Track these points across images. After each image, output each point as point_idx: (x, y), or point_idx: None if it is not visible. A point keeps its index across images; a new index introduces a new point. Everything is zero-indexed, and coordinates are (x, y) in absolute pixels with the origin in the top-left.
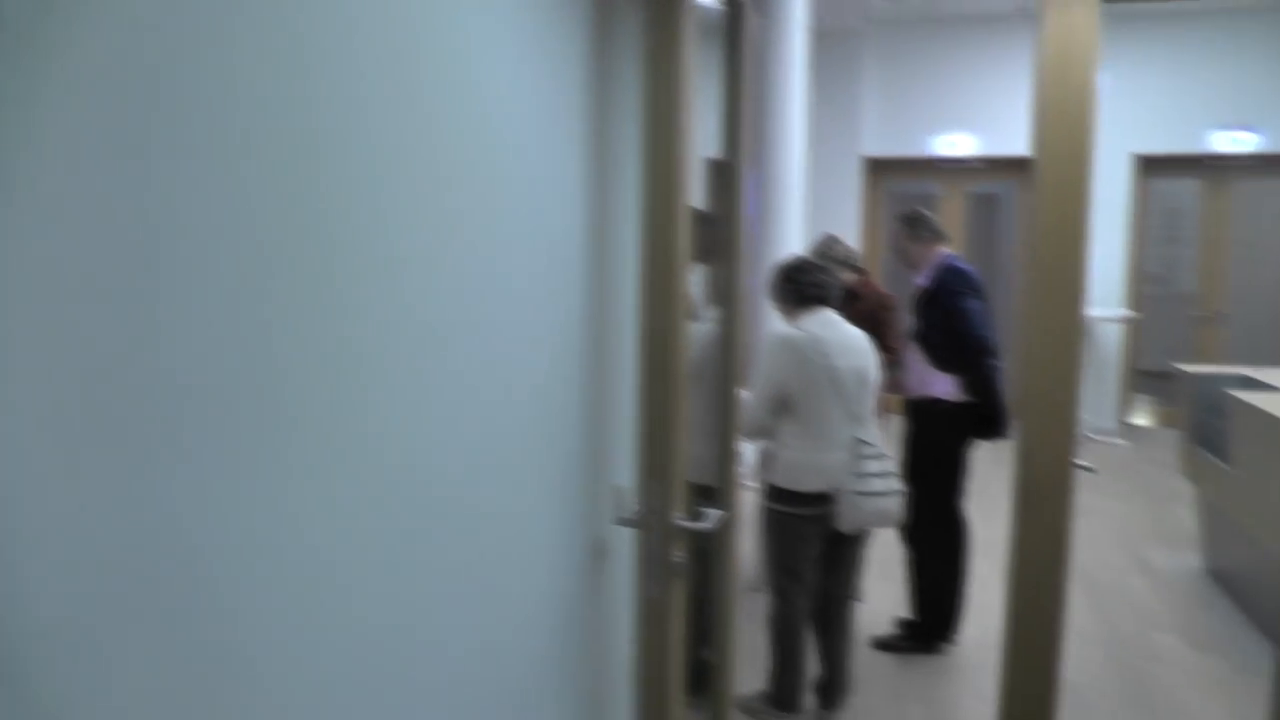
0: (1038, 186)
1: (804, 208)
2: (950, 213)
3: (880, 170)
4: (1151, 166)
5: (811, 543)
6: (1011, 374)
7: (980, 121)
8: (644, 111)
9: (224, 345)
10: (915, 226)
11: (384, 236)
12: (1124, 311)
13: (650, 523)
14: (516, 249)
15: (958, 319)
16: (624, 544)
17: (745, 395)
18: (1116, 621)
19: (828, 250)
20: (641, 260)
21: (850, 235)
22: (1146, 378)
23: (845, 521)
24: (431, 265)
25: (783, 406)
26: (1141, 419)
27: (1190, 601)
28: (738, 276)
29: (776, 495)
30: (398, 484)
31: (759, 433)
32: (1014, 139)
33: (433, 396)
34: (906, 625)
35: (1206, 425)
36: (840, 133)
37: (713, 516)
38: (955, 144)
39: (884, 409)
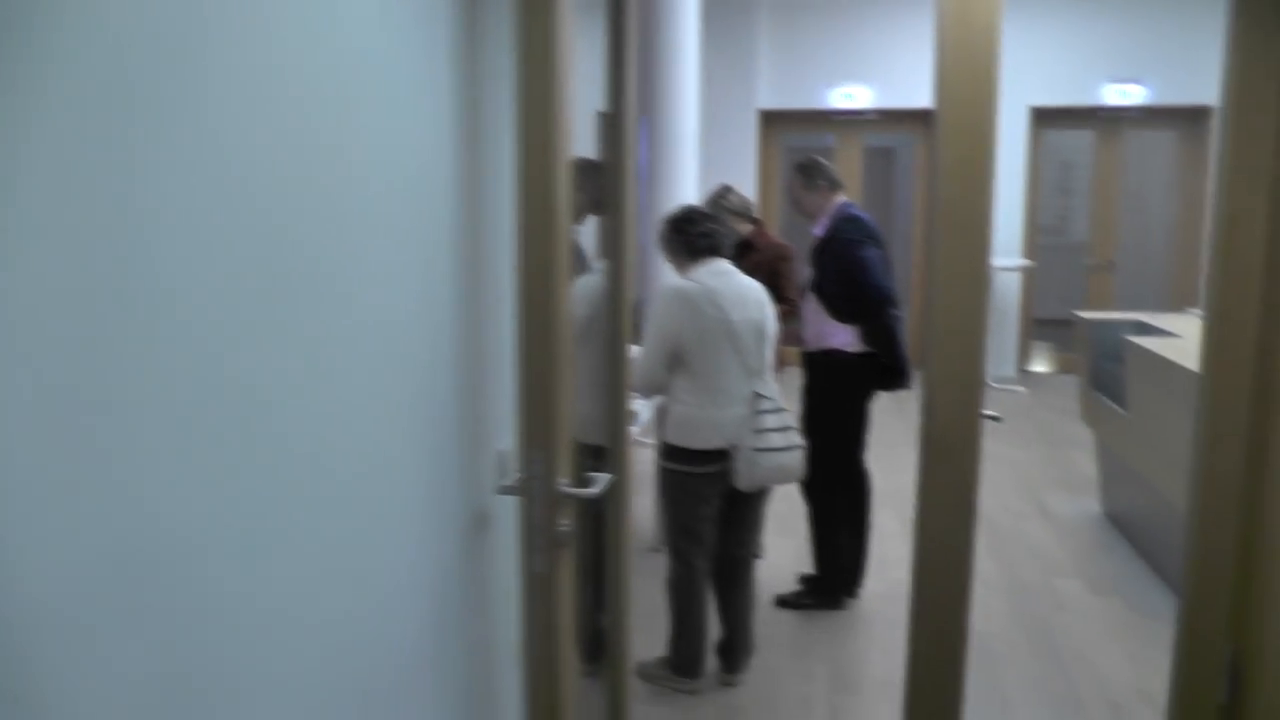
0: (940, 137)
1: (698, 160)
2: (847, 165)
3: (776, 123)
4: (1046, 118)
5: (709, 502)
6: (912, 324)
7: (877, 74)
8: (518, 60)
9: (50, 311)
10: (810, 175)
11: (218, 183)
12: (1021, 261)
13: (532, 491)
14: (372, 201)
15: (855, 268)
16: (509, 514)
17: (638, 351)
18: (1019, 568)
19: (721, 200)
20: (518, 214)
21: (747, 187)
22: (1044, 325)
23: (743, 479)
24: (274, 209)
25: (676, 361)
26: (1040, 366)
27: (1090, 546)
28: (626, 229)
29: (672, 454)
30: (242, 458)
31: (652, 389)
32: (911, 91)
33: (279, 361)
34: (809, 581)
35: (1104, 371)
36: (735, 85)
37: (601, 481)
38: (852, 96)
39: (782, 361)
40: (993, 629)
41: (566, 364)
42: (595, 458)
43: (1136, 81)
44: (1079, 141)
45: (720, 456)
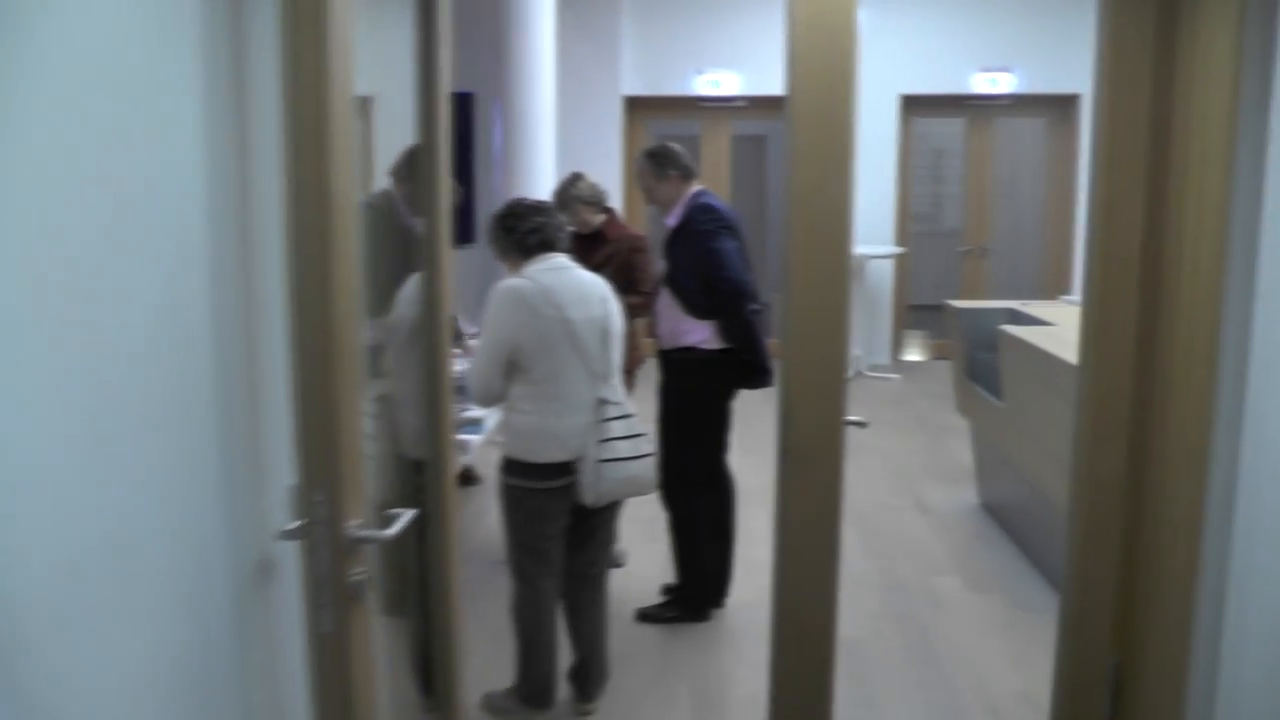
0: (793, 129)
1: (558, 146)
2: (714, 154)
3: (641, 109)
4: (917, 106)
5: (554, 519)
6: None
7: (744, 60)
8: (281, 29)
9: None
10: (661, 163)
11: None
12: (893, 248)
13: (316, 537)
14: (91, 210)
15: (710, 261)
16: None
17: (471, 357)
18: (895, 566)
19: (570, 189)
20: (285, 215)
21: (611, 176)
22: (918, 312)
23: (589, 493)
24: None
25: (514, 367)
26: (914, 354)
27: (969, 540)
28: (440, 225)
29: (512, 468)
30: None
31: (489, 398)
32: (781, 78)
33: None
34: (672, 592)
35: (978, 360)
36: (598, 69)
37: (402, 519)
38: (719, 83)
39: (640, 358)
40: (866, 633)
41: (351, 387)
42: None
43: (1006, 70)
44: (951, 129)
45: (564, 470)
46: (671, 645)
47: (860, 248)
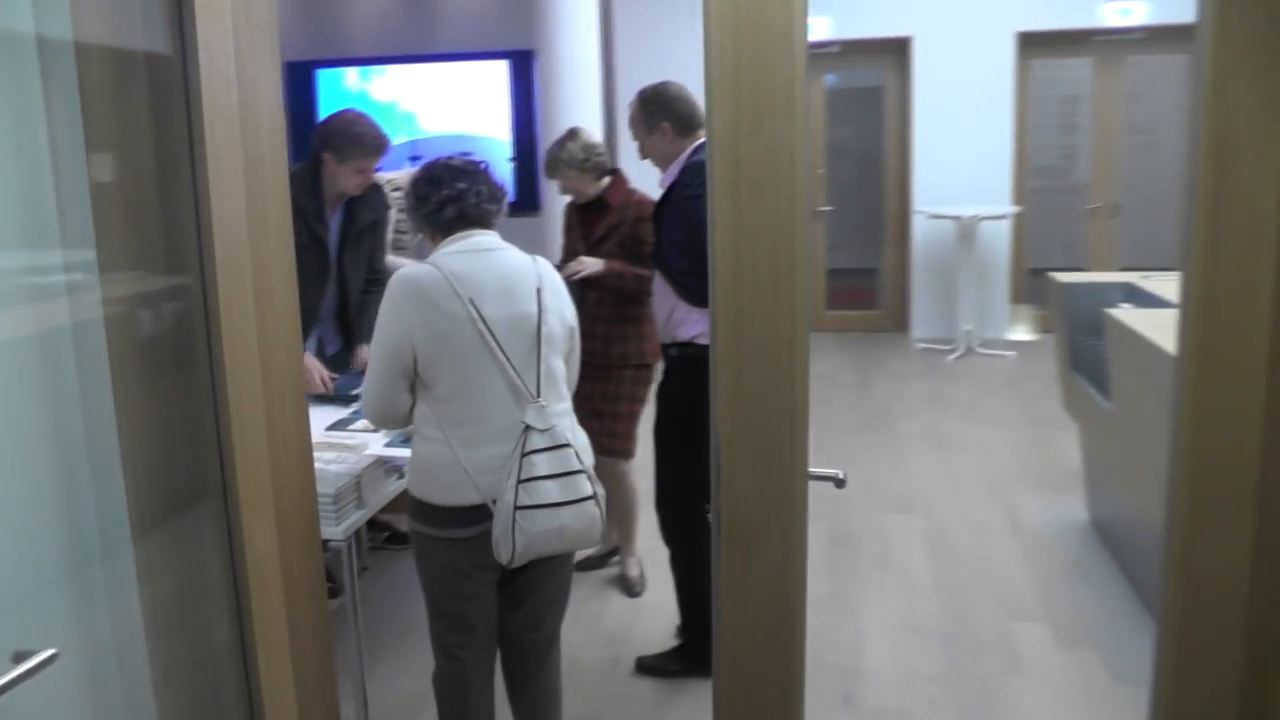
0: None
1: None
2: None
3: None
4: (1036, 44)
5: (472, 576)
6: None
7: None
8: None
9: None
10: (650, 110)
11: None
12: (1009, 207)
13: None
14: None
15: (702, 233)
16: None
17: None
18: (968, 606)
19: (558, 152)
20: None
21: None
22: (1038, 277)
23: (501, 549)
24: None
25: (411, 378)
26: (1023, 332)
27: (1067, 570)
28: (212, 212)
29: (416, 511)
30: None
31: (387, 417)
32: (881, 17)
33: None
34: (679, 637)
35: (1084, 348)
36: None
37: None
38: (810, 27)
39: (652, 353)
40: (915, 701)
41: None
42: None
43: None
44: (1076, 70)
45: (481, 514)
46: (669, 706)
47: (971, 208)
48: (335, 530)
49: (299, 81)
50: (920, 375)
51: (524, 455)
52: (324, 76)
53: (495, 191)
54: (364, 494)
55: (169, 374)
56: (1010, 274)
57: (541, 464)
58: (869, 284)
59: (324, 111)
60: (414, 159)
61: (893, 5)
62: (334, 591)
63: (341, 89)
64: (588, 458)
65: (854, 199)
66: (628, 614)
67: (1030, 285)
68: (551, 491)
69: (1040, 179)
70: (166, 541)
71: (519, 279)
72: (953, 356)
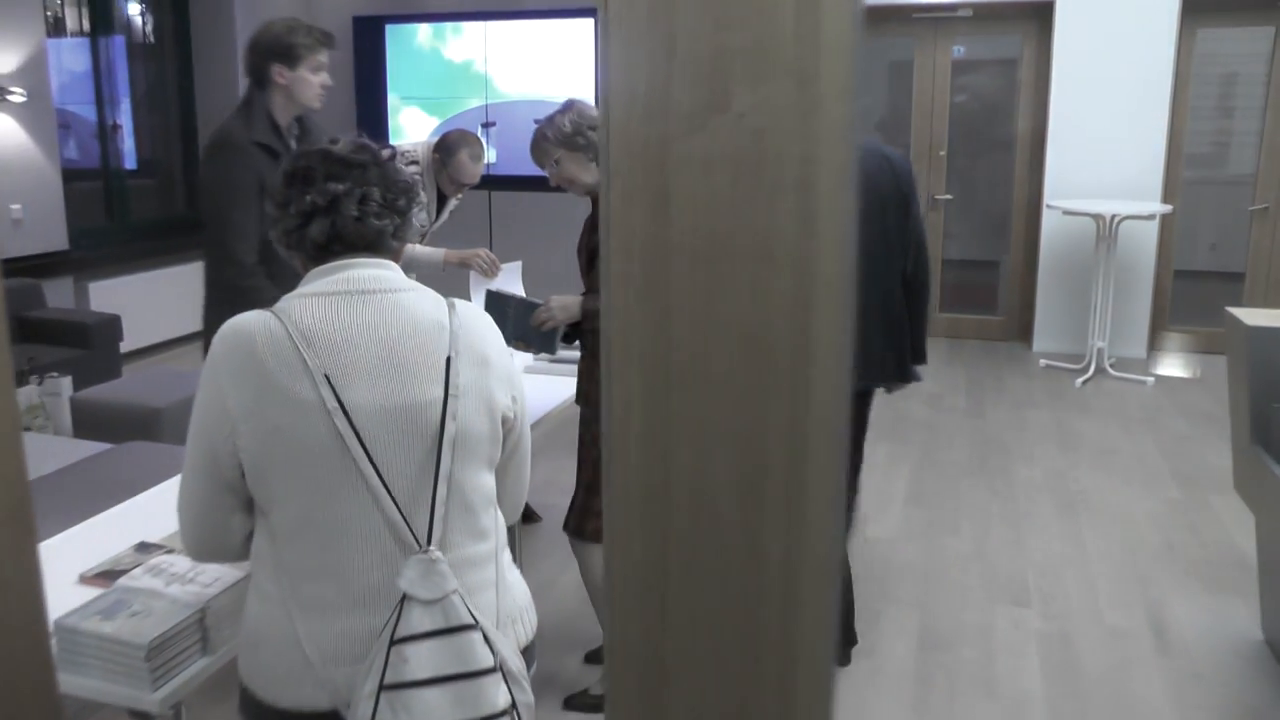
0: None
1: None
2: (929, 78)
3: None
4: (1204, 11)
5: None
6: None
7: None
8: None
9: None
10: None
11: None
12: (1158, 206)
13: None
14: None
15: None
16: None
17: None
18: None
19: (548, 124)
20: None
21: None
22: (1183, 281)
23: None
24: None
25: (239, 490)
26: (1172, 366)
27: (1232, 709)
28: None
29: (245, 707)
30: None
31: (204, 547)
32: None
33: None
34: None
35: (1269, 414)
36: None
37: None
38: None
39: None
40: None
41: None
42: None
43: None
44: (1245, 41)
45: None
46: None
47: (1112, 204)
48: (149, 697)
49: (367, 37)
50: (1044, 401)
51: (394, 643)
52: (394, 32)
53: (397, 197)
54: (210, 634)
55: None
56: (1154, 285)
57: (421, 659)
58: (990, 279)
59: (393, 71)
60: (487, 125)
61: None
62: None
63: (413, 45)
64: (509, 638)
65: (978, 187)
66: None
67: (1178, 296)
68: (433, 708)
69: (1191, 169)
70: None
71: (414, 343)
72: (1081, 379)
